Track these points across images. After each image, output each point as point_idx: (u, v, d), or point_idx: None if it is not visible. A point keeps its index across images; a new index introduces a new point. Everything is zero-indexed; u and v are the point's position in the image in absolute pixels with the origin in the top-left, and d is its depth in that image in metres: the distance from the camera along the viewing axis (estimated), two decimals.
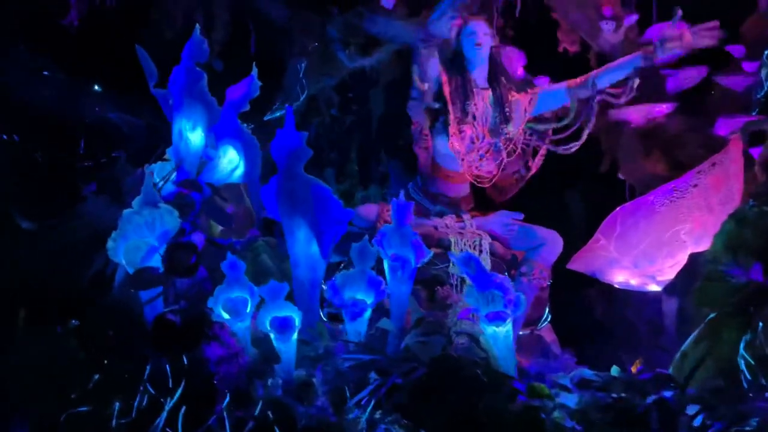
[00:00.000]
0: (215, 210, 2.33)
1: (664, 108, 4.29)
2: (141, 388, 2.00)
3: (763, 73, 4.06)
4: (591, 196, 5.26)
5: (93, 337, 2.06)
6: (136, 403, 1.99)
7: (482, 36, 3.14)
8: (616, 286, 3.59)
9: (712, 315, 2.47)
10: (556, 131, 3.29)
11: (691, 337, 2.48)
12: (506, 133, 3.24)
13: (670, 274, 3.33)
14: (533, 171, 3.40)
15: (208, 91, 2.72)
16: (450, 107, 3.14)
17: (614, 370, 2.21)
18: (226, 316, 2.09)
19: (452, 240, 3.25)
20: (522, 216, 3.50)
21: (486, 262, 3.02)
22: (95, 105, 4.24)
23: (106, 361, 2.21)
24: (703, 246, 3.21)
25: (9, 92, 3.82)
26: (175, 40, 4.34)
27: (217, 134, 2.64)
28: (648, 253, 3.34)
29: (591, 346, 3.44)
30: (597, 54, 4.72)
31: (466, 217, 3.55)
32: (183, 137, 2.80)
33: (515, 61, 4.18)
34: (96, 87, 4.29)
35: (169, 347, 1.89)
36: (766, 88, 4.08)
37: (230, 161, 2.62)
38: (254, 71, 2.72)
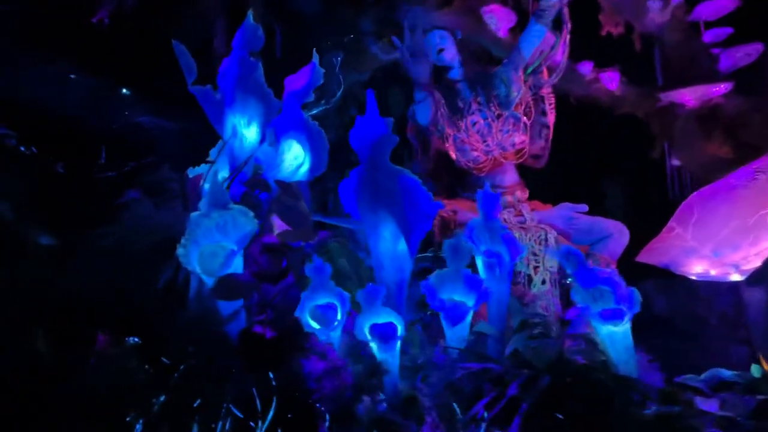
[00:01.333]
0: (287, 210, 2.10)
1: (721, 88, 4.07)
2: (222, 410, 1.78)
3: None
4: (635, 184, 5.05)
5: (168, 355, 1.83)
6: (219, 429, 1.77)
7: (439, 42, 3.29)
8: (693, 277, 3.36)
9: None
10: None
11: None
12: (513, 99, 3.24)
13: (756, 262, 3.10)
14: (552, 117, 3.39)
15: (264, 83, 2.51)
16: (444, 111, 3.27)
17: (755, 370, 1.98)
18: (315, 325, 1.86)
19: (516, 236, 3.04)
20: (586, 208, 3.35)
21: None
22: (124, 109, 4.03)
23: (178, 381, 2.00)
24: None
25: (32, 96, 3.61)
26: (207, 35, 4.16)
27: (280, 128, 2.41)
28: (731, 240, 3.11)
29: (660, 344, 3.23)
30: (641, 35, 4.52)
31: (524, 210, 3.37)
32: (237, 134, 2.57)
33: (501, 21, 4.09)
34: (124, 90, 4.08)
35: (260, 363, 1.66)
36: None
37: (296, 157, 2.39)
38: (315, 58, 2.50)
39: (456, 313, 1.90)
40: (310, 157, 2.39)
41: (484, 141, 3.32)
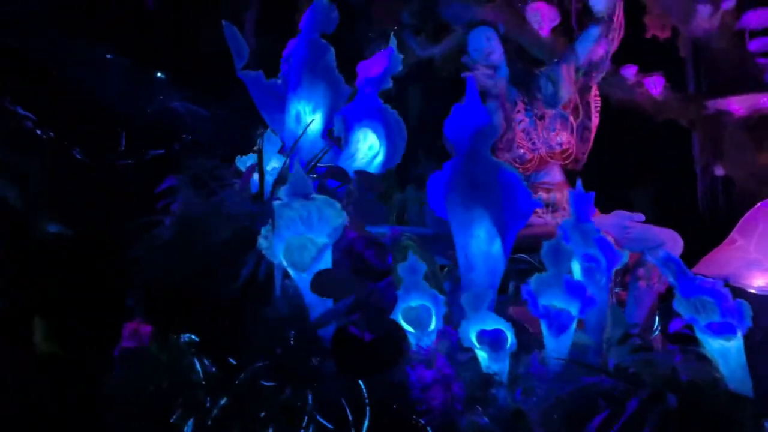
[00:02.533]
0: (364, 202, 1.94)
1: None
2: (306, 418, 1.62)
3: None
4: (668, 192, 4.93)
5: (246, 354, 1.67)
6: None
7: (487, 44, 3.09)
8: (752, 291, 3.22)
9: None
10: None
11: None
12: (561, 99, 3.12)
13: None
14: (596, 120, 3.25)
15: (335, 67, 2.35)
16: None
17: None
18: (408, 328, 1.70)
19: None
20: (643, 218, 3.24)
21: None
22: (159, 93, 3.86)
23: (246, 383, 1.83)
24: None
25: (63, 74, 3.44)
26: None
27: (354, 116, 2.25)
28: None
29: None
30: (688, 41, 4.42)
31: None
32: (300, 120, 2.42)
33: (545, 20, 3.99)
34: (159, 74, 3.90)
35: (358, 367, 1.50)
36: None
37: (370, 147, 2.23)
38: (393, 42, 2.35)
39: (561, 322, 1.74)
40: (385, 147, 2.23)
41: (530, 139, 3.20)
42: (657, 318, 3.14)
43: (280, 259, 1.71)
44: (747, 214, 3.21)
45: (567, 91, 3.10)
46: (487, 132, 1.78)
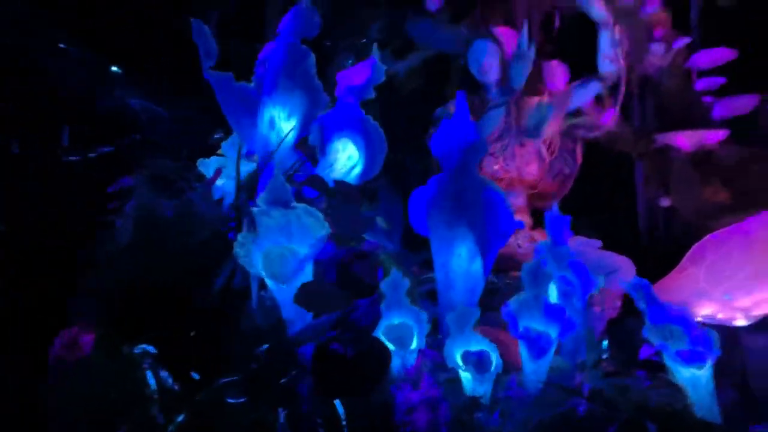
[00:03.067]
0: (344, 213, 1.89)
1: (716, 135, 4.16)
2: None
3: None
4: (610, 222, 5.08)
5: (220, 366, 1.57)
6: None
7: (490, 61, 3.17)
8: (699, 319, 3.34)
9: None
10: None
11: None
12: (542, 134, 3.22)
13: (765, 309, 3.12)
14: (576, 168, 3.43)
15: (315, 74, 2.29)
16: None
17: None
18: (390, 346, 1.65)
19: None
20: (600, 244, 3.31)
21: None
22: (114, 88, 3.68)
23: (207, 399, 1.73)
24: None
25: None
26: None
27: (334, 125, 2.20)
28: (744, 285, 3.10)
29: None
30: (639, 77, 4.59)
31: (537, 237, 3.29)
32: (275, 126, 2.34)
33: (558, 76, 4.08)
34: (115, 68, 3.72)
35: (340, 386, 1.43)
36: None
37: (349, 157, 2.18)
38: (376, 53, 2.31)
39: (541, 345, 1.73)
40: (364, 159, 2.18)
41: (506, 161, 3.26)
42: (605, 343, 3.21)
43: (259, 269, 1.62)
44: (696, 246, 3.34)
45: (551, 129, 3.18)
46: (475, 149, 1.77)
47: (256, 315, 1.62)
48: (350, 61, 4.15)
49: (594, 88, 3.21)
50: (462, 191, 1.78)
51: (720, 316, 3.26)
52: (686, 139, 4.24)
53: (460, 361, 1.61)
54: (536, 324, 1.80)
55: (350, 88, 2.19)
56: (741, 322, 3.25)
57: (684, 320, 1.93)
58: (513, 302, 1.80)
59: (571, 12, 4.45)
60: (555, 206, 2.09)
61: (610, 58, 3.18)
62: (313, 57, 2.29)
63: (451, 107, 2.91)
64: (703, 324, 2.96)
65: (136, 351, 1.95)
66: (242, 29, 3.89)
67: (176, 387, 1.86)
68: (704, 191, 4.13)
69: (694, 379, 1.83)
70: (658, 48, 4.39)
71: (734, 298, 3.18)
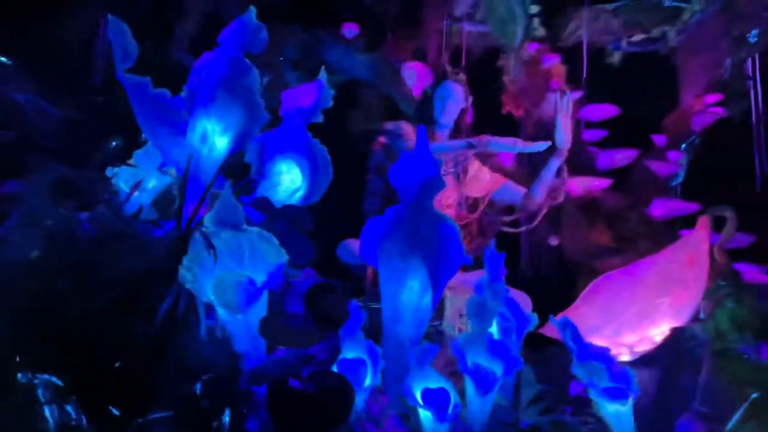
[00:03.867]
0: (290, 238, 1.80)
1: (601, 183, 4.53)
2: None
3: (682, 161, 4.54)
4: None
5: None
6: None
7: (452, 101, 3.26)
8: None
9: (755, 395, 2.51)
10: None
11: (736, 417, 2.49)
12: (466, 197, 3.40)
13: (648, 345, 3.40)
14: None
15: (257, 91, 2.19)
16: None
17: None
18: None
19: (447, 294, 3.03)
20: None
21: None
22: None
23: None
24: (681, 320, 3.35)
25: None
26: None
27: (278, 145, 2.11)
28: (631, 323, 3.38)
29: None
30: (535, 123, 4.90)
31: None
32: (207, 141, 2.20)
33: (419, 80, 4.34)
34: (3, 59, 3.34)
35: (300, 426, 1.35)
36: (681, 177, 4.58)
37: (293, 180, 2.09)
38: (323, 76, 2.25)
39: (488, 381, 1.74)
40: (308, 183, 2.11)
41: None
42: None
43: (208, 296, 1.49)
44: (590, 286, 3.59)
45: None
46: (434, 184, 1.77)
47: (205, 346, 1.48)
48: (266, 79, 4.06)
49: (517, 198, 3.39)
50: (418, 225, 1.77)
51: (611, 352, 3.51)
52: (575, 185, 4.55)
53: (420, 400, 1.57)
54: (482, 360, 1.81)
55: (299, 109, 2.12)
56: (625, 357, 3.52)
57: (605, 358, 2.04)
58: (461, 338, 1.81)
59: (478, 50, 4.70)
60: (492, 243, 2.14)
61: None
62: (256, 72, 2.18)
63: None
64: None
65: (35, 381, 1.72)
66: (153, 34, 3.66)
67: (86, 424, 1.66)
68: (590, 234, 4.46)
69: (618, 414, 1.93)
70: (554, 98, 4.72)
71: (621, 335, 3.45)
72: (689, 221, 4.18)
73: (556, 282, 4.57)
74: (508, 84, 4.79)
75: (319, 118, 2.17)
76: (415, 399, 1.58)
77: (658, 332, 3.39)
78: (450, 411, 1.59)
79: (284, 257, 1.56)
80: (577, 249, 4.50)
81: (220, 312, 1.50)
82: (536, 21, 4.65)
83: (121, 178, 2.41)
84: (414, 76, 4.46)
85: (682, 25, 4.43)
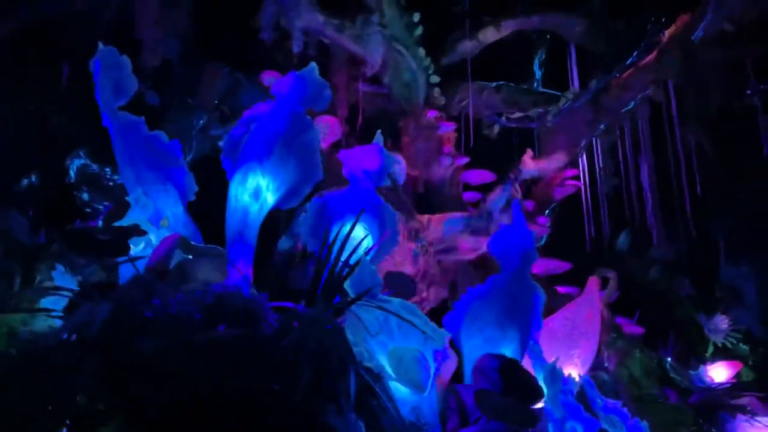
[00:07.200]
0: (395, 278, 1.78)
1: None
2: None
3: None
4: None
5: None
6: None
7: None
8: None
9: None
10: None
11: None
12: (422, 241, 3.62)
13: None
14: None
15: (318, 149, 2.12)
16: None
17: None
18: None
19: None
20: None
21: None
22: None
23: None
24: (584, 369, 3.85)
25: None
26: None
27: (346, 206, 2.04)
28: None
29: None
30: (425, 181, 5.26)
31: None
32: (260, 198, 2.06)
33: (330, 133, 4.60)
34: None
35: None
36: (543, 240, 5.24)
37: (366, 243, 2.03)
38: (379, 139, 2.24)
39: None
40: (375, 244, 2.08)
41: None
42: None
43: (390, 372, 1.42)
44: None
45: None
46: (531, 255, 1.88)
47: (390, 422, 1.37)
48: (201, 121, 3.81)
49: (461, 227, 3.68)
50: (517, 295, 1.85)
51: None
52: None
53: None
54: None
55: (367, 172, 2.08)
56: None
57: (620, 412, 2.29)
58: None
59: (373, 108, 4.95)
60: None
61: None
62: (317, 131, 2.10)
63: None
64: None
65: None
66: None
67: None
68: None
69: None
70: (445, 161, 5.12)
71: None
72: (559, 278, 4.81)
73: None
74: (406, 146, 5.06)
75: (387, 182, 2.15)
76: None
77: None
78: None
79: (445, 337, 1.54)
80: None
81: (401, 389, 1.42)
82: (436, 90, 5.04)
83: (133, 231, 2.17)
84: (327, 129, 4.51)
85: (556, 110, 5.14)
